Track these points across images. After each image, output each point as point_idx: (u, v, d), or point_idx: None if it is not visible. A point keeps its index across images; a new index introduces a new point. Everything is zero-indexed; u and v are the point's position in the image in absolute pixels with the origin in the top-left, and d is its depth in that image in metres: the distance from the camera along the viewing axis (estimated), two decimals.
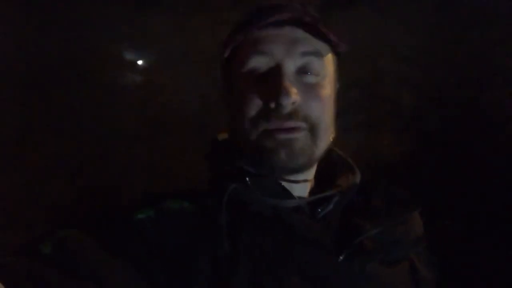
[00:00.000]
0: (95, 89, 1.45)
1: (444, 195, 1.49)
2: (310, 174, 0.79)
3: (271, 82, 0.71)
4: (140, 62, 1.53)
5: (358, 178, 0.79)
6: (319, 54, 0.75)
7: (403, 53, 1.58)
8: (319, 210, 0.75)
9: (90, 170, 1.42)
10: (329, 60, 0.77)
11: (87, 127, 1.43)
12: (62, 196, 1.39)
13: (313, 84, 0.74)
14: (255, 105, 0.72)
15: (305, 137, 0.72)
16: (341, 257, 0.70)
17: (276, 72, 0.72)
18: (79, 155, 1.42)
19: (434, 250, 0.84)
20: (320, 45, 0.76)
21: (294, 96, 0.70)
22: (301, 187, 0.78)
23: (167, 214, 0.70)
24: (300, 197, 0.76)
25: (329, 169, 0.82)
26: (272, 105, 0.71)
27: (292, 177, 0.76)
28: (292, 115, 0.71)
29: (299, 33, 0.74)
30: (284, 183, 0.75)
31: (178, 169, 1.52)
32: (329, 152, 0.81)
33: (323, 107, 0.74)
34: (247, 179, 0.73)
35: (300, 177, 0.76)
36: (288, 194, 0.74)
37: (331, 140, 0.78)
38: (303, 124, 0.72)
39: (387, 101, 1.57)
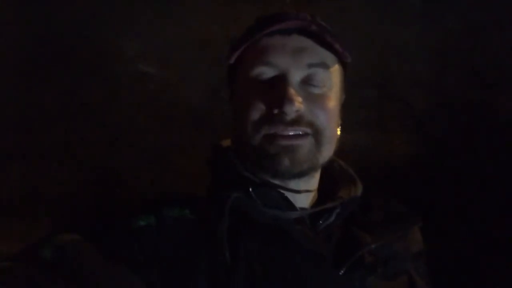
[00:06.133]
0: (102, 81, 1.45)
1: (452, 197, 1.47)
2: (313, 184, 0.79)
3: (275, 89, 0.72)
4: (147, 55, 1.52)
5: (359, 190, 0.79)
6: (325, 65, 0.74)
7: (415, 53, 1.55)
8: (321, 222, 0.75)
9: (96, 162, 1.42)
10: (336, 71, 0.77)
11: (93, 119, 1.43)
12: (67, 188, 1.39)
13: (319, 95, 0.74)
14: (258, 110, 0.72)
15: (309, 143, 0.72)
16: (341, 271, 0.69)
17: (281, 80, 0.72)
18: (84, 147, 1.42)
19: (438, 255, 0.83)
20: (327, 56, 0.75)
21: (298, 104, 0.70)
22: (303, 197, 0.77)
23: (167, 222, 0.70)
24: (302, 208, 0.76)
25: (331, 180, 0.82)
26: (276, 111, 0.71)
27: (294, 185, 0.75)
28: (296, 122, 0.71)
29: (306, 42, 0.74)
30: (287, 194, 0.75)
31: (185, 163, 1.52)
32: (331, 162, 0.80)
33: (328, 117, 0.74)
34: (250, 189, 0.73)
35: (302, 186, 0.76)
36: (290, 205, 0.74)
37: (334, 150, 0.78)
38: (307, 130, 0.72)
39: (399, 101, 1.55)
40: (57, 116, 1.39)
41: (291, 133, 0.71)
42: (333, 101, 0.75)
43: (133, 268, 0.64)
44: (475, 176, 1.50)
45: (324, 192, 0.81)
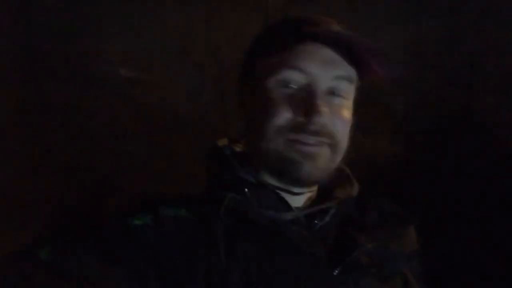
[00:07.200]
0: (86, 84, 1.43)
1: (435, 197, 1.50)
2: (314, 187, 0.80)
3: (304, 99, 0.72)
4: (131, 58, 1.51)
5: (355, 190, 0.80)
6: (350, 79, 0.75)
7: (394, 55, 1.57)
8: (316, 221, 0.75)
9: (80, 166, 1.41)
10: (356, 84, 0.78)
11: (75, 123, 1.42)
12: (51, 192, 1.37)
13: (339, 106, 0.74)
14: (284, 116, 0.72)
15: (327, 152, 0.73)
16: (336, 271, 0.70)
17: (309, 89, 0.72)
18: (69, 151, 1.40)
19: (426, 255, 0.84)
20: (352, 69, 0.76)
21: (325, 115, 0.71)
22: (301, 198, 0.78)
23: (164, 221, 0.70)
24: (298, 208, 0.76)
25: (329, 180, 0.81)
26: (302, 119, 0.71)
27: (298, 190, 0.76)
28: (319, 132, 0.72)
29: (336, 53, 0.74)
30: (284, 194, 0.75)
31: (169, 167, 1.51)
32: None
33: (345, 128, 0.75)
34: (246, 190, 0.73)
35: (304, 190, 0.77)
36: (286, 206, 0.74)
37: None
38: (327, 140, 0.73)
39: (380, 103, 1.57)
40: (39, 119, 1.38)
41: (312, 142, 0.72)
42: (350, 112, 0.77)
43: (130, 268, 0.64)
44: (456, 174, 1.53)
45: (321, 191, 0.81)
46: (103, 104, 1.46)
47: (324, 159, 0.73)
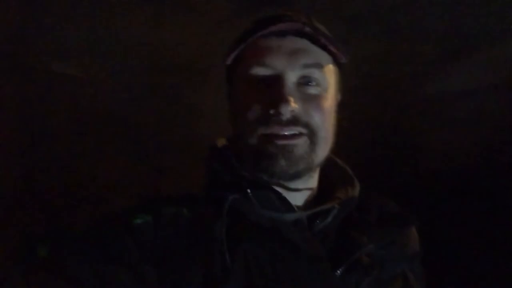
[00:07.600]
0: (23, 79, 1.27)
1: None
2: (311, 183, 0.79)
3: (271, 91, 0.72)
4: (68, 54, 1.38)
5: (357, 190, 0.80)
6: (320, 66, 0.75)
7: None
8: (318, 221, 0.75)
9: (15, 161, 1.22)
10: (331, 71, 0.78)
11: (13, 117, 1.23)
12: None
13: (314, 95, 0.75)
14: (255, 111, 0.73)
15: (305, 143, 0.73)
16: (337, 272, 0.70)
17: (277, 81, 0.73)
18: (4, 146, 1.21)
19: None
20: (322, 56, 0.76)
21: (293, 104, 0.71)
22: (302, 195, 0.78)
23: (164, 220, 0.70)
24: (299, 208, 0.76)
25: (327, 179, 0.82)
26: (272, 111, 0.71)
27: (292, 185, 0.76)
28: (291, 122, 0.71)
29: (301, 43, 0.75)
30: (284, 192, 0.75)
31: (101, 170, 1.40)
32: (328, 161, 0.81)
33: (324, 117, 0.75)
34: (248, 191, 0.72)
35: (300, 185, 0.77)
36: (287, 207, 0.74)
37: (331, 149, 0.79)
38: (303, 130, 0.73)
39: None
40: None
41: (286, 133, 0.71)
42: (329, 101, 0.76)
43: (130, 267, 0.64)
44: (397, 185, 1.62)
45: (322, 190, 0.81)
46: (31, 100, 1.30)
47: (301, 150, 0.72)
